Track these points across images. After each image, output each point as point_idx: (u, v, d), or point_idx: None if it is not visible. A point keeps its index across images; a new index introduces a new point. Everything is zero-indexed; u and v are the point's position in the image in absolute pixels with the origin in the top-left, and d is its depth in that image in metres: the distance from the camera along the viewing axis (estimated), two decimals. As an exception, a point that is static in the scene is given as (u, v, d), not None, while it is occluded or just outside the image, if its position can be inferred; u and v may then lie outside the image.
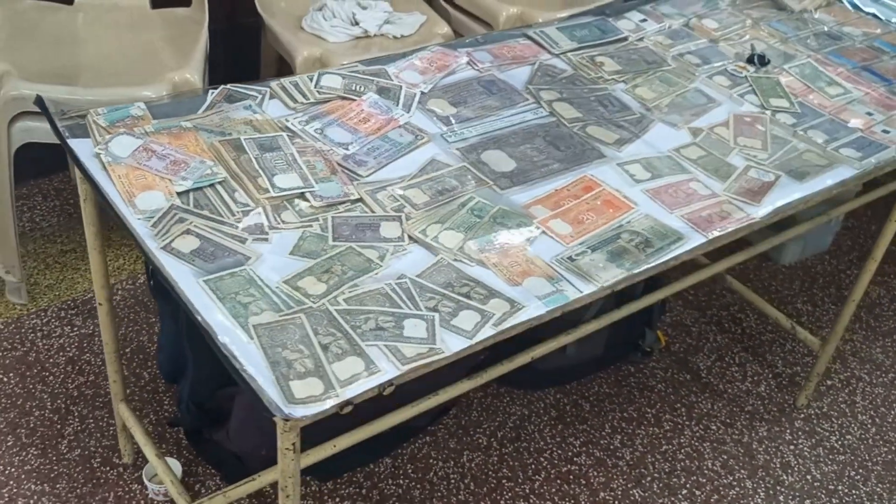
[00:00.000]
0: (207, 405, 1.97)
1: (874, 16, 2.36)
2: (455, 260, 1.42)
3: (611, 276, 1.43)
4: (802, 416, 2.44)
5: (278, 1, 2.72)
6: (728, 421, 2.39)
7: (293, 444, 1.22)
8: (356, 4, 2.66)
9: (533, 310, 1.35)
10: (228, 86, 1.73)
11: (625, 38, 2.09)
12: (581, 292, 1.40)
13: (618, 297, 2.28)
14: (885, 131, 1.89)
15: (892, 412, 2.49)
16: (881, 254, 2.19)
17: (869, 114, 1.95)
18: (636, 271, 1.45)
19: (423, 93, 1.79)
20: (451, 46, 1.95)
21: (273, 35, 2.59)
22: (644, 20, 2.15)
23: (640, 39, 2.10)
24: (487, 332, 1.31)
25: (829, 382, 2.56)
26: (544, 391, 2.41)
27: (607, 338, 2.40)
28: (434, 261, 1.41)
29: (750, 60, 2.05)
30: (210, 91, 1.70)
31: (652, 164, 1.70)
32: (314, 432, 1.79)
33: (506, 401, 2.37)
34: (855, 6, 2.39)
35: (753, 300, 2.50)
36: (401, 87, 1.78)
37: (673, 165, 1.71)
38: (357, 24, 2.61)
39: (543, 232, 1.50)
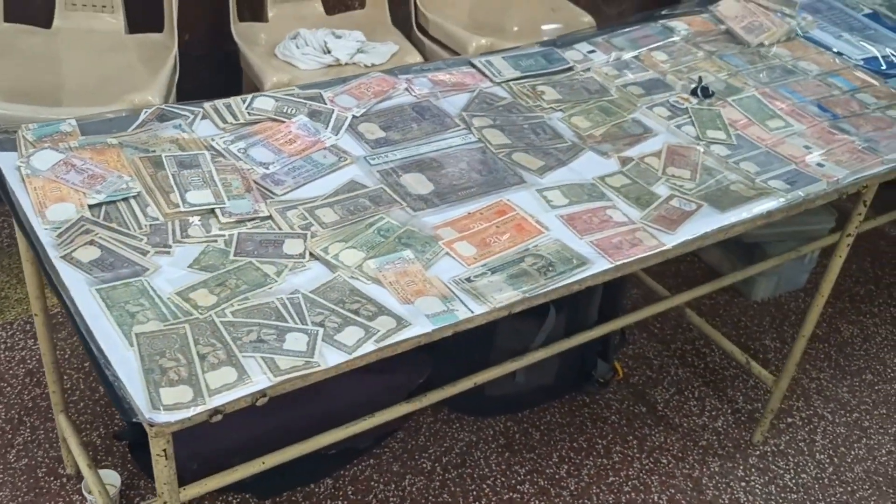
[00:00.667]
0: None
1: (837, 53, 2.36)
2: (352, 277, 1.44)
3: (505, 297, 1.44)
4: (758, 452, 2.41)
5: (258, 30, 2.79)
6: (680, 455, 2.37)
7: (164, 450, 1.25)
8: (330, 34, 2.72)
9: (419, 328, 1.37)
10: (163, 105, 1.78)
11: (570, 69, 2.11)
12: (472, 312, 1.41)
13: (567, 326, 2.30)
14: (819, 164, 1.89)
15: (852, 452, 2.45)
16: (828, 289, 2.17)
17: (807, 147, 1.94)
18: (532, 294, 1.46)
19: (354, 116, 1.83)
20: (392, 73, 1.99)
21: (247, 62, 2.66)
22: (592, 51, 2.17)
23: (587, 70, 2.12)
24: (368, 347, 1.33)
25: (789, 420, 2.52)
26: (495, 418, 2.41)
27: (558, 367, 2.40)
28: (331, 278, 1.44)
29: (694, 92, 2.07)
30: (145, 110, 1.76)
31: (572, 190, 1.72)
32: (235, 450, 1.81)
33: (455, 426, 2.37)
34: (817, 43, 2.39)
35: (710, 333, 2.48)
36: (333, 110, 1.82)
37: (594, 192, 1.73)
38: (329, 52, 2.67)
39: (447, 253, 1.52)
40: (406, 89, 1.94)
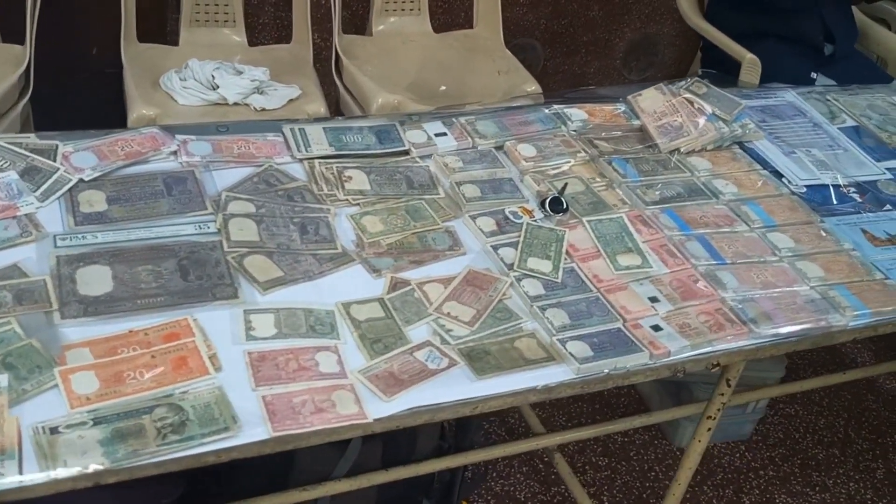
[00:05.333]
0: None
1: (775, 174, 1.88)
2: None
3: (83, 464, 1.08)
4: None
5: (161, 53, 2.50)
6: None
7: None
8: (230, 67, 2.40)
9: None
10: None
11: (405, 152, 1.72)
12: (20, 477, 1.05)
13: (385, 456, 1.90)
14: (655, 328, 1.44)
15: None
16: (685, 478, 1.70)
17: (653, 300, 1.49)
18: (126, 465, 1.10)
19: (82, 181, 1.50)
20: (171, 131, 1.65)
21: (124, 87, 2.37)
22: (442, 134, 1.77)
23: (427, 157, 1.73)
24: None
25: None
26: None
27: (376, 501, 2.00)
28: None
29: (544, 204, 1.64)
30: None
31: (292, 318, 1.34)
32: None
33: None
34: (755, 157, 1.92)
35: (573, 489, 2.02)
36: (57, 170, 1.50)
37: (321, 325, 1.34)
38: (216, 89, 2.35)
39: (56, 386, 1.17)
40: (174, 153, 1.60)
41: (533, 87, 2.49)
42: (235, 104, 2.35)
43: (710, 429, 1.63)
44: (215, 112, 2.33)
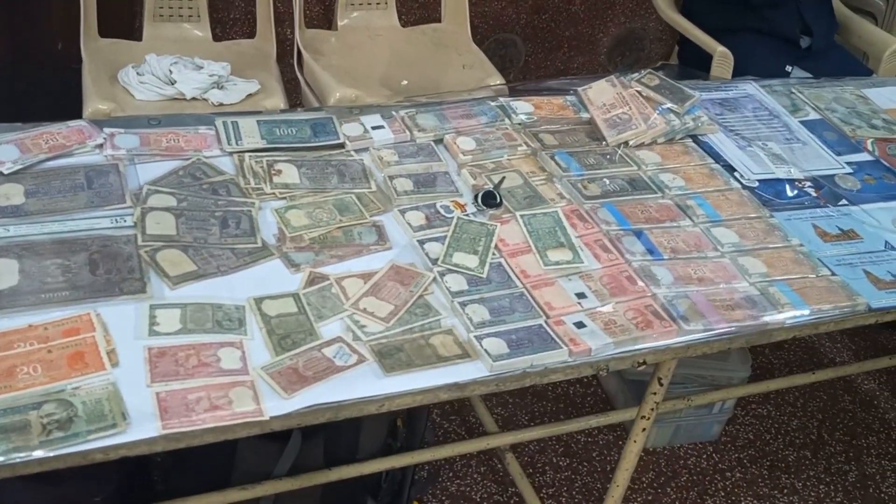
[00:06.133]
0: None
1: (727, 167, 1.83)
2: None
3: (-42, 461, 1.06)
4: None
5: (123, 49, 2.48)
6: None
7: None
8: (189, 62, 2.38)
9: None
10: None
11: (340, 146, 1.69)
12: None
13: (328, 455, 1.87)
14: (579, 325, 1.39)
15: None
16: (624, 479, 1.65)
17: (580, 296, 1.45)
18: (6, 462, 1.07)
19: (1, 174, 1.48)
20: (99, 124, 1.63)
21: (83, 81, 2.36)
22: (379, 126, 1.74)
23: (362, 150, 1.70)
24: None
25: None
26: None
27: (321, 499, 1.96)
28: None
29: (477, 198, 1.61)
30: None
31: (199, 313, 1.31)
32: None
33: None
34: (707, 150, 1.87)
35: (521, 486, 1.98)
36: (-24, 162, 1.48)
37: (229, 320, 1.31)
38: (173, 84, 2.33)
39: (-60, 381, 1.15)
40: (99, 146, 1.58)
41: (497, 81, 2.45)
42: (193, 99, 2.33)
43: (644, 429, 1.58)
44: (172, 107, 2.31)
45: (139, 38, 2.55)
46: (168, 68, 2.34)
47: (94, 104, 2.22)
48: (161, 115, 1.76)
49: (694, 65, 2.69)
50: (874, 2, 3.18)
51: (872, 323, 1.60)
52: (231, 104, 2.34)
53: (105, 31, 2.50)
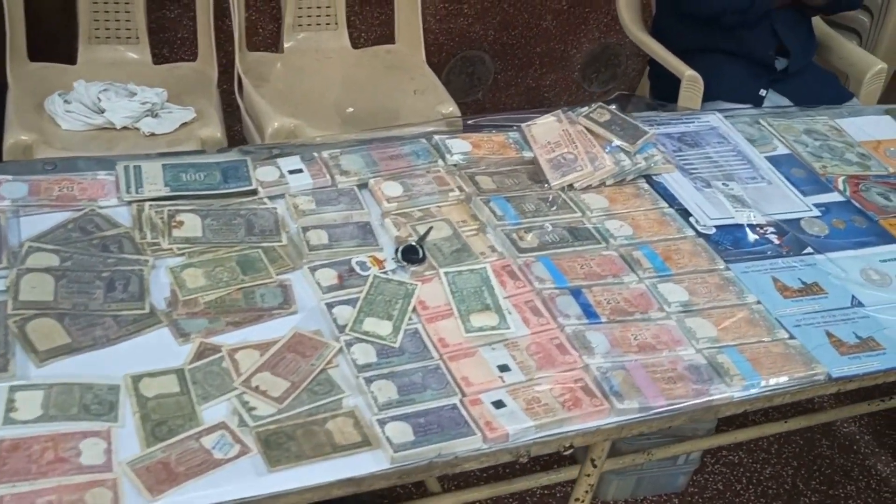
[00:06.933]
0: None
1: (681, 211, 1.68)
2: None
3: None
4: None
5: (54, 73, 2.33)
6: None
7: None
8: (120, 88, 2.24)
9: None
10: None
11: (253, 192, 1.55)
12: None
13: None
14: (497, 404, 1.25)
15: None
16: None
17: (503, 368, 1.30)
18: None
19: None
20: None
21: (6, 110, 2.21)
22: (297, 171, 1.59)
23: (277, 197, 1.55)
24: None
25: None
26: None
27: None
28: None
29: (397, 253, 1.46)
30: None
31: (64, 396, 1.16)
32: None
33: None
34: (661, 193, 1.72)
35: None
36: None
37: (97, 404, 1.16)
38: (102, 112, 2.19)
39: None
40: (-17, 197, 1.44)
41: (450, 108, 2.31)
42: (124, 128, 2.19)
43: (580, 510, 1.43)
44: (101, 137, 2.17)
45: (74, 62, 2.40)
46: (97, 96, 2.20)
47: (15, 135, 2.08)
48: (58, 158, 1.63)
49: (664, 87, 2.54)
50: (858, 18, 3.03)
51: (834, 392, 1.45)
52: (164, 133, 2.20)
53: (37, 54, 2.35)
